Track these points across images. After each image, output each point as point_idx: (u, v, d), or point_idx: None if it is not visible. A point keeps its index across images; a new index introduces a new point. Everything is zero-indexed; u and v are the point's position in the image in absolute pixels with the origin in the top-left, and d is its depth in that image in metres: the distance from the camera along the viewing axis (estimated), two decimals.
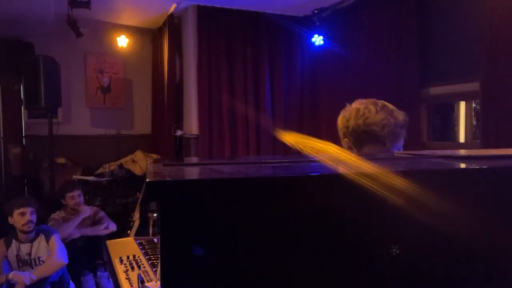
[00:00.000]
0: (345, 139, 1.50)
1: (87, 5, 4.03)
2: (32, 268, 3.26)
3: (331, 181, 0.56)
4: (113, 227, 3.97)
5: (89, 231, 3.87)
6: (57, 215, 3.89)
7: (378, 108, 1.45)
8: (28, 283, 3.01)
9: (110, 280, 2.36)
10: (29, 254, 3.28)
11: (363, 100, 1.50)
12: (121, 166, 5.40)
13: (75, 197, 3.90)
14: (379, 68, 3.95)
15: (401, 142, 1.49)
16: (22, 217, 3.23)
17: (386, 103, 1.50)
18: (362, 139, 1.45)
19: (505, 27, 2.79)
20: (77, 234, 3.79)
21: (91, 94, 6.00)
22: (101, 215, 4.05)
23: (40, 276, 3.13)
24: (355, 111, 1.47)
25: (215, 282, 0.51)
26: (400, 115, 1.47)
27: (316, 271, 0.54)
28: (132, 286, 1.81)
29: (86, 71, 5.96)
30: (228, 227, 0.51)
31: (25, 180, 5.41)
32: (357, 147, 1.47)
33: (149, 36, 5.87)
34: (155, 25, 5.41)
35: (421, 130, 3.71)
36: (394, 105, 1.51)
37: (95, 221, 4.00)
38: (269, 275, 0.53)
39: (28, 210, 3.25)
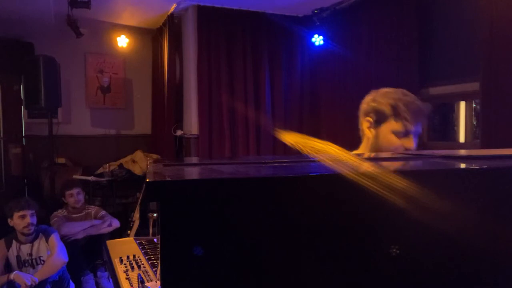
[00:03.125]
0: (367, 118, 1.57)
1: (87, 5, 4.03)
2: (34, 268, 3.27)
3: (331, 181, 0.56)
4: (116, 223, 4.00)
5: (93, 231, 3.88)
6: (59, 213, 3.93)
7: (407, 93, 1.55)
8: (29, 284, 3.01)
9: (110, 280, 2.36)
10: (30, 254, 3.29)
11: (391, 88, 1.60)
12: (121, 166, 5.40)
13: (73, 195, 3.93)
14: (379, 68, 3.95)
15: (419, 129, 1.54)
16: (22, 220, 3.23)
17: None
18: (385, 115, 1.52)
19: (505, 27, 2.79)
20: (80, 236, 3.81)
21: (91, 94, 6.00)
22: (102, 213, 4.07)
23: (43, 277, 3.14)
24: (384, 91, 1.57)
25: (215, 282, 0.51)
26: (426, 106, 1.57)
27: (315, 271, 0.54)
28: (132, 286, 1.81)
29: (86, 71, 5.96)
30: (228, 227, 0.51)
31: (25, 180, 5.41)
32: (377, 124, 1.54)
33: (149, 36, 5.87)
34: (155, 25, 5.41)
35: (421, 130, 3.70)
36: None
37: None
38: (269, 275, 0.53)
39: (28, 212, 3.25)
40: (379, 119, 1.53)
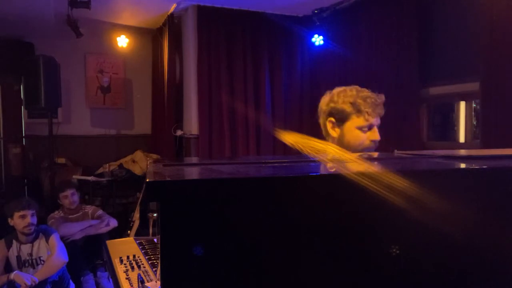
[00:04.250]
0: (330, 118, 1.64)
1: (87, 5, 4.03)
2: (34, 268, 3.27)
3: (331, 181, 0.56)
4: (114, 223, 3.99)
5: (92, 231, 3.88)
6: (56, 214, 3.93)
7: (361, 89, 1.63)
8: (29, 284, 3.01)
9: (110, 280, 2.36)
10: (30, 254, 3.29)
11: (343, 87, 1.67)
12: (121, 166, 5.40)
13: (68, 196, 3.93)
14: (379, 68, 3.95)
15: (379, 120, 1.61)
16: (22, 220, 3.24)
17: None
18: (347, 113, 1.59)
19: (505, 27, 2.79)
20: (78, 236, 3.80)
21: (91, 94, 6.00)
22: (99, 213, 4.07)
23: (43, 277, 3.14)
24: (339, 91, 1.65)
25: (215, 282, 0.51)
26: (381, 97, 1.63)
27: (315, 271, 0.54)
28: (132, 286, 1.81)
29: (86, 71, 5.96)
30: (228, 227, 0.51)
31: (25, 180, 5.40)
32: (341, 123, 1.62)
33: (149, 36, 5.87)
34: (155, 25, 5.41)
35: (421, 130, 3.70)
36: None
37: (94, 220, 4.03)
38: (269, 275, 0.53)
39: (28, 212, 3.25)
40: (341, 118, 1.61)
